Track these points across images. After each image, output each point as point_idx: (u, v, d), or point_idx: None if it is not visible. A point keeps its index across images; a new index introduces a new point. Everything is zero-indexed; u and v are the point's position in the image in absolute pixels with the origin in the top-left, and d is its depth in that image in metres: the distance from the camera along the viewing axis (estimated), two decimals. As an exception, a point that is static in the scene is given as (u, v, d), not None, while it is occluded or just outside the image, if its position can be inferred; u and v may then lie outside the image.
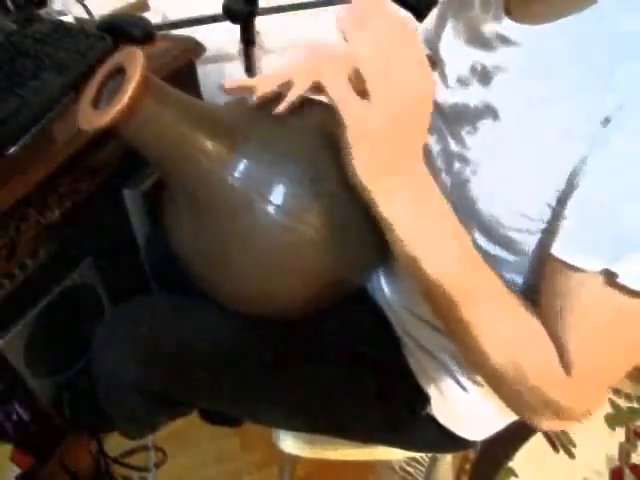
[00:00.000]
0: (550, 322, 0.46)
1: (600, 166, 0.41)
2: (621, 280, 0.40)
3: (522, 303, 0.47)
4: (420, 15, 0.87)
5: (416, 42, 0.42)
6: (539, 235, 0.48)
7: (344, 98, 0.41)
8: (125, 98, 0.44)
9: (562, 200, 0.44)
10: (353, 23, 0.40)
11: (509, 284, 0.52)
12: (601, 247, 0.41)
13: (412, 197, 0.44)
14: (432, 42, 0.70)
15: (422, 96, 0.42)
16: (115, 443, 1.13)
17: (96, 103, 0.49)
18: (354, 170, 0.42)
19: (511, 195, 0.49)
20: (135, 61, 0.46)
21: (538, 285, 0.50)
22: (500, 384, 0.48)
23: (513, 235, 0.50)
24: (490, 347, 0.46)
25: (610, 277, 0.41)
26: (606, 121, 0.41)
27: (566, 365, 0.44)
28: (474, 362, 0.49)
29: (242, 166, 0.51)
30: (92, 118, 0.47)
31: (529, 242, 0.49)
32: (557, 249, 0.44)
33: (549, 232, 0.47)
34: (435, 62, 0.67)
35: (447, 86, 0.60)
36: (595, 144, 0.42)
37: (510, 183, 0.49)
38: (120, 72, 0.47)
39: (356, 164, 0.42)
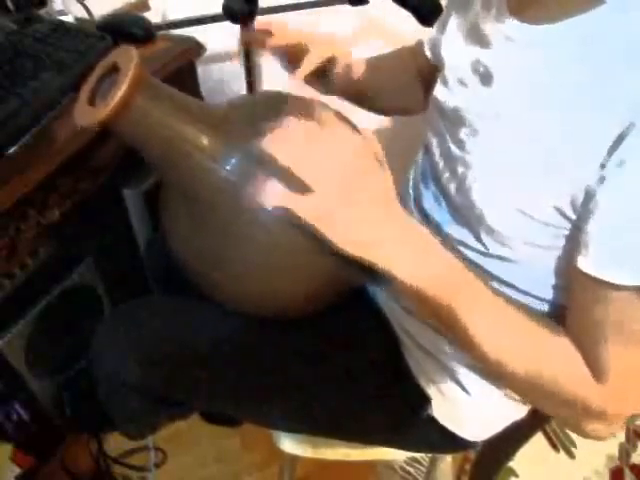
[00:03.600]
0: (580, 333, 0.47)
1: (622, 181, 0.41)
2: None
3: (534, 316, 0.48)
4: (422, 17, 0.87)
5: (332, 119, 0.49)
6: (558, 241, 0.48)
7: (287, 200, 0.44)
8: (118, 95, 0.45)
9: (582, 212, 0.44)
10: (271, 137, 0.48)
11: (532, 288, 0.54)
12: (635, 262, 0.41)
13: (400, 247, 0.46)
14: (435, 47, 0.70)
15: (352, 160, 0.46)
16: (115, 443, 1.13)
17: (92, 100, 0.50)
18: (336, 246, 0.45)
19: (515, 198, 0.48)
20: (129, 59, 0.47)
21: (565, 294, 0.50)
22: (533, 397, 0.49)
23: (528, 239, 0.50)
24: (496, 350, 0.47)
25: None
26: (621, 137, 0.40)
27: (599, 375, 0.45)
28: (501, 383, 0.50)
29: (237, 161, 0.51)
30: (88, 115, 0.48)
31: (547, 246, 0.49)
32: (589, 266, 0.44)
33: (569, 240, 0.47)
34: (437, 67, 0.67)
35: (447, 87, 0.60)
36: (612, 157, 0.41)
37: (512, 186, 0.49)
38: (115, 70, 0.48)
39: (334, 242, 0.44)
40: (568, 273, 0.48)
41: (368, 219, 0.45)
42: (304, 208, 0.44)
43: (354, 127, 0.57)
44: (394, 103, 0.84)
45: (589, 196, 0.43)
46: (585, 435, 0.49)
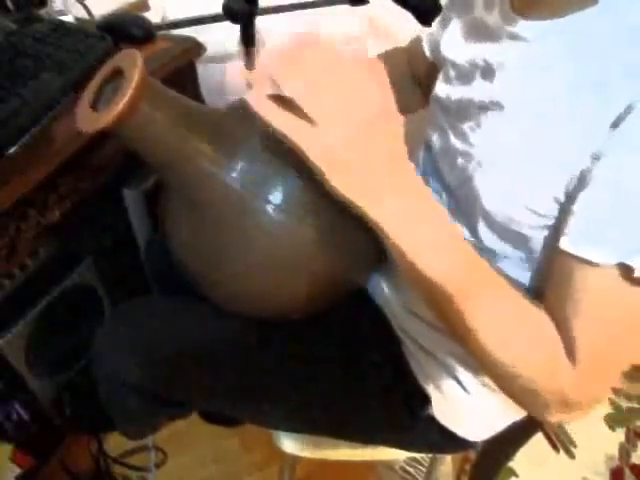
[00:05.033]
0: (558, 315, 0.46)
1: (613, 164, 0.41)
2: (637, 274, 0.41)
3: (524, 297, 0.47)
4: (423, 17, 0.87)
5: (356, 64, 0.41)
6: (547, 231, 0.49)
7: (291, 127, 0.39)
8: (123, 100, 0.44)
9: (571, 196, 0.45)
10: (282, 61, 0.39)
11: (516, 281, 0.53)
12: (615, 241, 0.42)
13: (400, 202, 0.42)
14: (435, 43, 0.70)
15: (371, 112, 0.40)
16: (115, 443, 1.13)
17: (95, 105, 0.50)
18: (334, 192, 0.41)
19: (517, 190, 0.49)
20: (134, 63, 0.46)
21: (545, 280, 0.50)
22: (507, 380, 0.48)
23: (524, 231, 0.50)
24: (491, 341, 0.46)
25: (625, 271, 0.41)
26: (618, 119, 0.41)
27: (571, 353, 0.45)
28: (479, 360, 0.49)
29: (240, 167, 0.51)
30: (91, 120, 0.48)
31: (540, 238, 0.50)
32: (568, 243, 0.44)
33: (556, 228, 0.47)
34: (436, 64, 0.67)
35: (449, 83, 0.60)
36: (607, 143, 0.42)
37: (515, 178, 0.49)
38: (119, 74, 0.48)
39: (334, 187, 0.41)
40: (551, 256, 0.48)
41: (374, 168, 0.41)
42: (311, 142, 0.39)
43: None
44: None
45: (582, 177, 0.43)
46: (547, 419, 0.48)
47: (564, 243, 0.44)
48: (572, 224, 0.44)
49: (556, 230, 0.47)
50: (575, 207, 0.44)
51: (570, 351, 0.45)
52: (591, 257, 0.42)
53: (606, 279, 0.42)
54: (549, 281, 0.48)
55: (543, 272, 0.52)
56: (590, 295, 0.44)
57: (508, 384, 0.48)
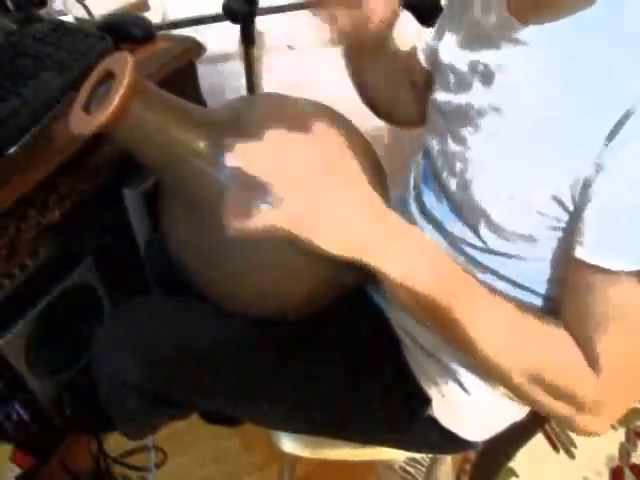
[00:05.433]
0: (576, 324, 0.47)
1: (618, 171, 0.41)
2: None
3: (531, 312, 0.48)
4: (423, 17, 0.87)
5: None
6: (557, 233, 0.49)
7: (259, 219, 0.42)
8: (113, 103, 0.45)
9: (580, 202, 0.45)
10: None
11: (524, 286, 0.54)
12: (630, 249, 0.42)
13: (394, 245, 0.44)
14: (431, 53, 0.70)
15: (316, 165, 0.42)
16: (115, 443, 1.13)
17: (87, 108, 0.50)
18: (321, 249, 0.43)
19: (516, 193, 0.49)
20: (124, 65, 0.46)
21: (560, 286, 0.50)
22: (530, 395, 0.49)
23: (528, 232, 0.50)
24: (505, 362, 0.47)
25: None
26: (617, 126, 0.41)
27: (595, 366, 0.45)
28: (498, 381, 0.50)
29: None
30: (83, 123, 0.48)
31: (545, 239, 0.50)
32: (583, 252, 0.44)
33: (568, 233, 0.47)
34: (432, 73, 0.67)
35: (449, 89, 0.61)
36: (606, 152, 0.42)
37: (514, 181, 0.49)
38: (110, 77, 0.48)
39: (317, 245, 0.42)
40: (566, 265, 0.48)
41: (347, 217, 0.43)
42: (279, 218, 0.42)
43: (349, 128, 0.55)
44: (387, 107, 0.82)
45: (587, 184, 0.43)
46: (579, 431, 0.49)
47: (579, 253, 0.44)
48: (585, 233, 0.44)
49: (568, 235, 0.47)
50: (585, 215, 0.44)
51: (591, 360, 0.45)
52: (606, 265, 0.42)
53: (622, 286, 0.43)
54: (566, 296, 0.49)
55: (557, 279, 0.52)
56: (607, 302, 0.44)
57: (531, 394, 0.49)
